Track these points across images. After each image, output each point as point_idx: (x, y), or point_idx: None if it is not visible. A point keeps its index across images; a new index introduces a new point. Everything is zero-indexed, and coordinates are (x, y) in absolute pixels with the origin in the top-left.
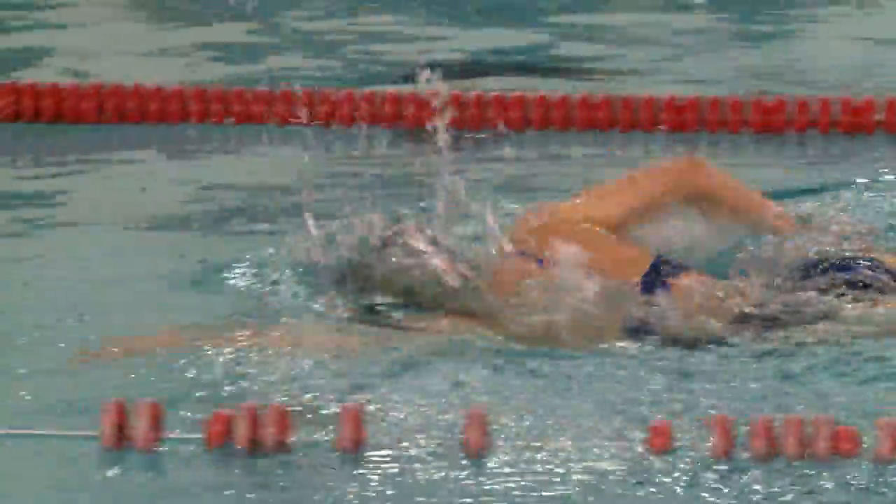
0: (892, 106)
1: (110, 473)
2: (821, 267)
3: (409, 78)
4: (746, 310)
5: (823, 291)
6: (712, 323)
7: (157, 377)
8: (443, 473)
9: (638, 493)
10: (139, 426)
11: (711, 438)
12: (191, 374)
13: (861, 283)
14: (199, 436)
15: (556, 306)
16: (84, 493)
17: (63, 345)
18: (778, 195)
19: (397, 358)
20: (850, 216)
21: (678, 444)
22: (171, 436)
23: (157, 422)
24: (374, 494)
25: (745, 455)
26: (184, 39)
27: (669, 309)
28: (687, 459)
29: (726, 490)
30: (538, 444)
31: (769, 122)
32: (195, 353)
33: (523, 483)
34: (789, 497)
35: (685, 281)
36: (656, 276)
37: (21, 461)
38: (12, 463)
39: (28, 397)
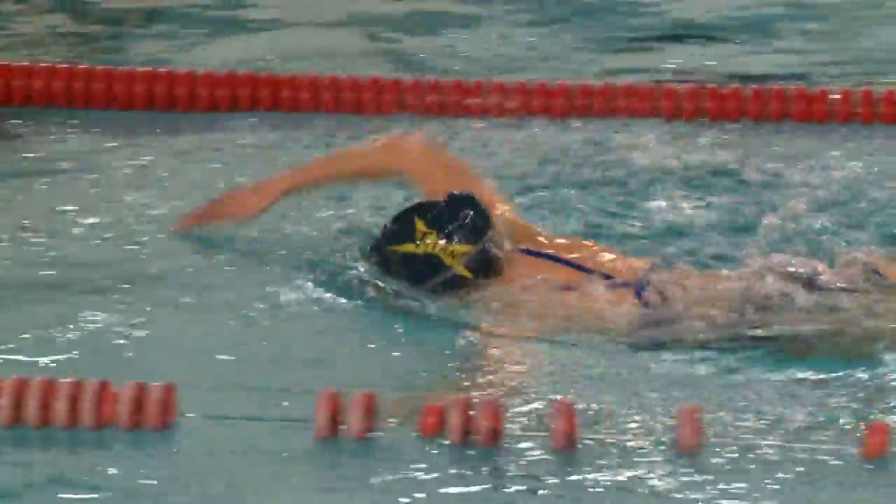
0: None
1: (323, 462)
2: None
3: None
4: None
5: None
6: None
7: (370, 367)
8: (654, 471)
9: (855, 497)
10: (353, 416)
11: None
12: (403, 366)
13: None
14: (412, 426)
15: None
16: (297, 481)
17: (276, 335)
18: None
19: (602, 355)
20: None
21: None
22: (385, 426)
23: (370, 412)
24: (586, 488)
25: None
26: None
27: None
28: None
29: None
30: (750, 443)
31: None
32: (407, 346)
33: (736, 482)
34: None
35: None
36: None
37: (237, 447)
38: (228, 449)
39: (245, 384)
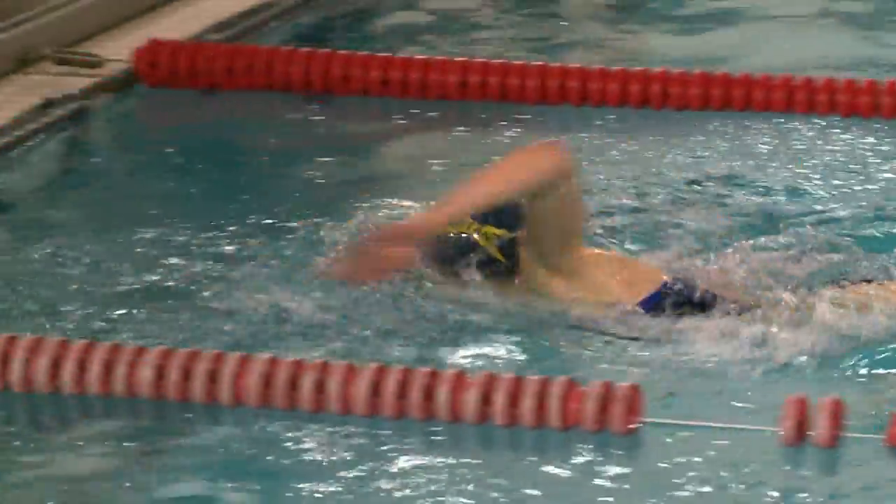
0: None
1: (790, 469)
2: None
3: None
4: None
5: None
6: None
7: (837, 375)
8: None
9: None
10: (821, 423)
11: None
12: (868, 372)
13: None
14: (881, 435)
15: None
16: (763, 488)
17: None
18: None
19: None
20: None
21: None
22: (852, 434)
23: (838, 419)
24: None
25: None
26: None
27: None
28: None
29: None
30: None
31: None
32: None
33: None
34: None
35: None
36: (662, 298)
37: (702, 453)
38: (693, 453)
39: (715, 391)
